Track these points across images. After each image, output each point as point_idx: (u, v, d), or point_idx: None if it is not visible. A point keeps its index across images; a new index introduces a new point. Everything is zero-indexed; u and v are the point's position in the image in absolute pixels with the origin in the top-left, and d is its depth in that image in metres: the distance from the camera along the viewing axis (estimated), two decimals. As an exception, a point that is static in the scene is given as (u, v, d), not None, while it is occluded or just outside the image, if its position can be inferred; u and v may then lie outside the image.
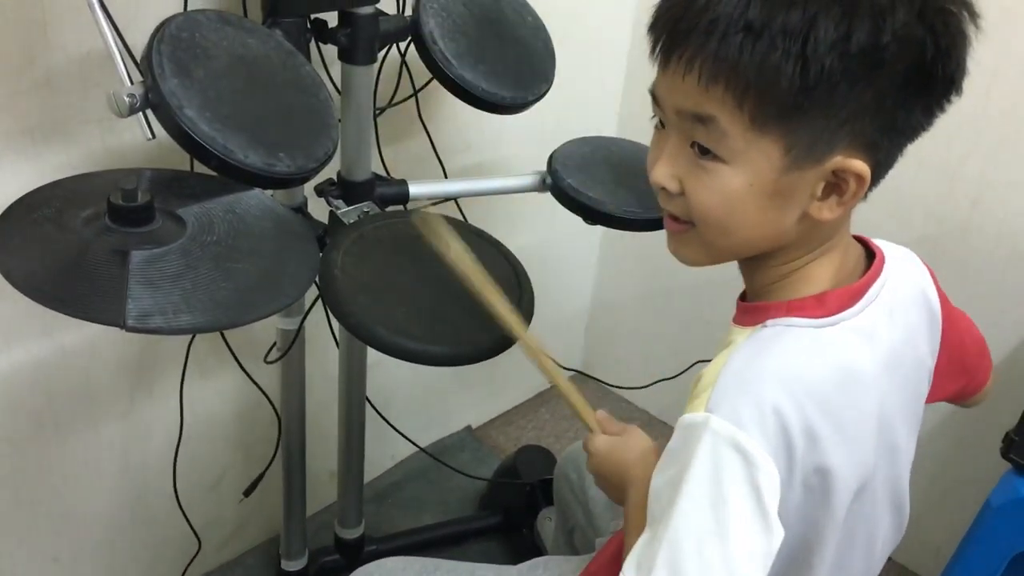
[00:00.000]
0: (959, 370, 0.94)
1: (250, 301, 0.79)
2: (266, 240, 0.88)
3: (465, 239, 1.13)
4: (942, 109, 0.72)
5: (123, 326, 0.71)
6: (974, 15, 0.69)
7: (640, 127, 1.62)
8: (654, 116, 0.78)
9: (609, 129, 1.91)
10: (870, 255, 0.83)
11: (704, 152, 0.73)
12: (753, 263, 0.80)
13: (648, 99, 1.86)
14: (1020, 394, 1.24)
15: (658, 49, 0.73)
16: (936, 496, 1.62)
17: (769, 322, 0.75)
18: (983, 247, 1.49)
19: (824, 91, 0.67)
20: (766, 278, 0.80)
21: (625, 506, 0.86)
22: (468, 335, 1.00)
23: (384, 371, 1.55)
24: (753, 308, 0.79)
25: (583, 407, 0.95)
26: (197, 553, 1.48)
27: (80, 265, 0.75)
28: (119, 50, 0.91)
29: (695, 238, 0.78)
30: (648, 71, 1.98)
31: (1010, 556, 1.25)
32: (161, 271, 0.76)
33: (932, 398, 0.90)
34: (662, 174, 0.77)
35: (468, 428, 2.05)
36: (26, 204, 0.84)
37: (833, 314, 0.75)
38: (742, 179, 0.72)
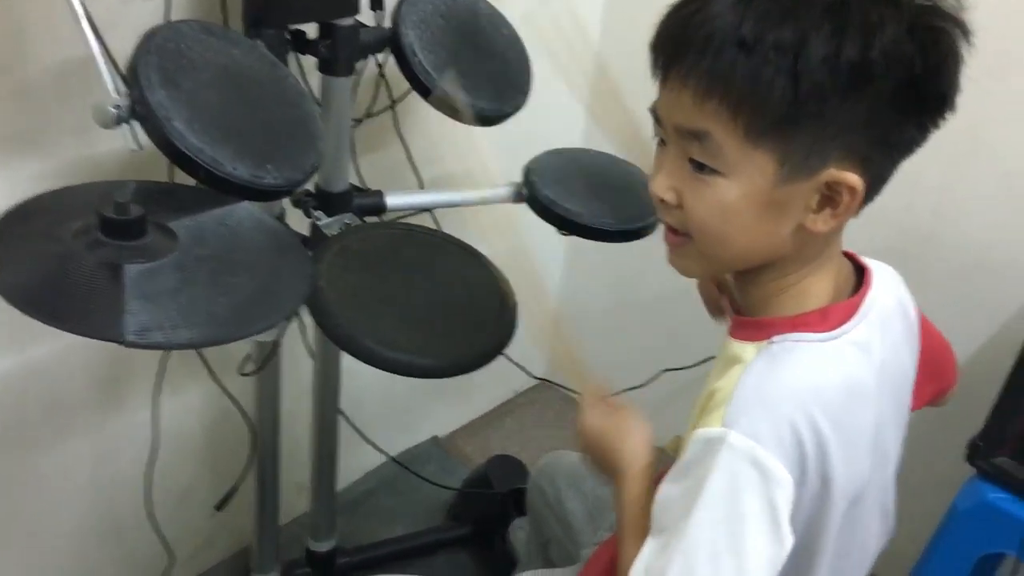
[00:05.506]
0: (932, 375, 0.96)
1: (248, 315, 0.79)
2: (260, 253, 0.87)
3: (447, 250, 1.14)
4: (936, 125, 0.73)
5: (122, 342, 0.70)
6: (967, 33, 0.71)
7: (605, 139, 1.64)
8: (655, 135, 0.80)
9: (575, 140, 1.92)
10: (858, 270, 0.85)
11: (700, 167, 0.74)
12: (749, 276, 0.82)
13: (615, 113, 1.85)
14: (983, 400, 1.28)
15: (658, 65, 0.75)
16: (899, 499, 1.66)
17: (776, 338, 0.77)
18: (944, 256, 1.53)
19: (815, 105, 0.69)
20: (764, 292, 0.81)
21: (616, 502, 0.85)
22: (455, 346, 1.00)
23: (352, 380, 1.55)
24: (756, 323, 0.80)
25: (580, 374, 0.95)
26: (168, 567, 1.46)
27: (75, 280, 0.74)
28: (104, 61, 0.90)
29: (692, 250, 0.79)
30: (614, 83, 1.98)
31: (976, 559, 1.28)
32: (157, 285, 0.76)
33: (913, 407, 0.92)
34: (661, 186, 0.78)
35: (434, 438, 2.04)
36: (14, 217, 0.82)
37: (835, 328, 0.77)
38: (737, 191, 0.74)
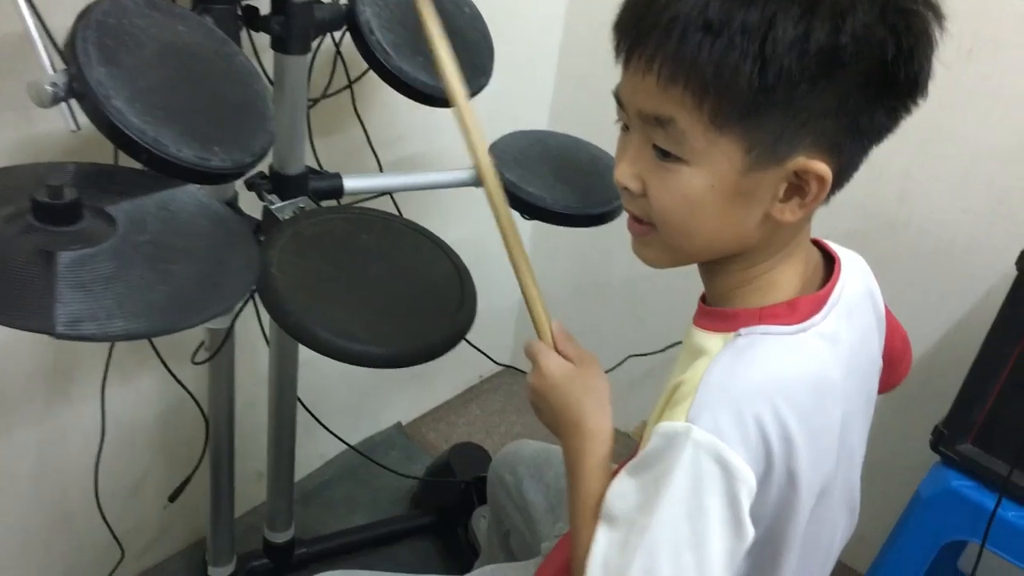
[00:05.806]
0: (888, 365, 0.95)
1: (188, 304, 0.75)
2: (202, 239, 0.84)
3: (404, 236, 1.10)
4: (907, 111, 0.71)
5: (53, 333, 0.67)
6: (940, 16, 0.68)
7: (572, 121, 1.60)
8: (618, 120, 0.77)
9: (541, 123, 1.90)
10: (827, 258, 0.83)
11: (664, 155, 0.72)
12: (716, 266, 0.79)
13: (580, 93, 1.84)
14: (948, 387, 1.27)
15: (620, 48, 0.72)
16: (863, 486, 1.66)
17: (743, 330, 0.74)
18: (909, 242, 1.52)
19: (784, 91, 0.66)
20: (730, 282, 0.79)
21: (573, 463, 0.81)
22: (410, 336, 0.97)
23: (312, 368, 1.51)
24: (722, 313, 0.78)
25: (540, 309, 0.88)
26: (120, 560, 1.42)
27: (4, 268, 0.70)
28: (40, 36, 0.85)
29: (657, 240, 0.77)
30: (580, 65, 1.95)
31: (940, 545, 1.28)
32: (92, 273, 0.72)
33: None
34: (624, 174, 0.75)
35: (398, 425, 2.01)
36: (-60, 200, 0.78)
37: (804, 320, 0.75)
38: (703, 180, 0.71)
